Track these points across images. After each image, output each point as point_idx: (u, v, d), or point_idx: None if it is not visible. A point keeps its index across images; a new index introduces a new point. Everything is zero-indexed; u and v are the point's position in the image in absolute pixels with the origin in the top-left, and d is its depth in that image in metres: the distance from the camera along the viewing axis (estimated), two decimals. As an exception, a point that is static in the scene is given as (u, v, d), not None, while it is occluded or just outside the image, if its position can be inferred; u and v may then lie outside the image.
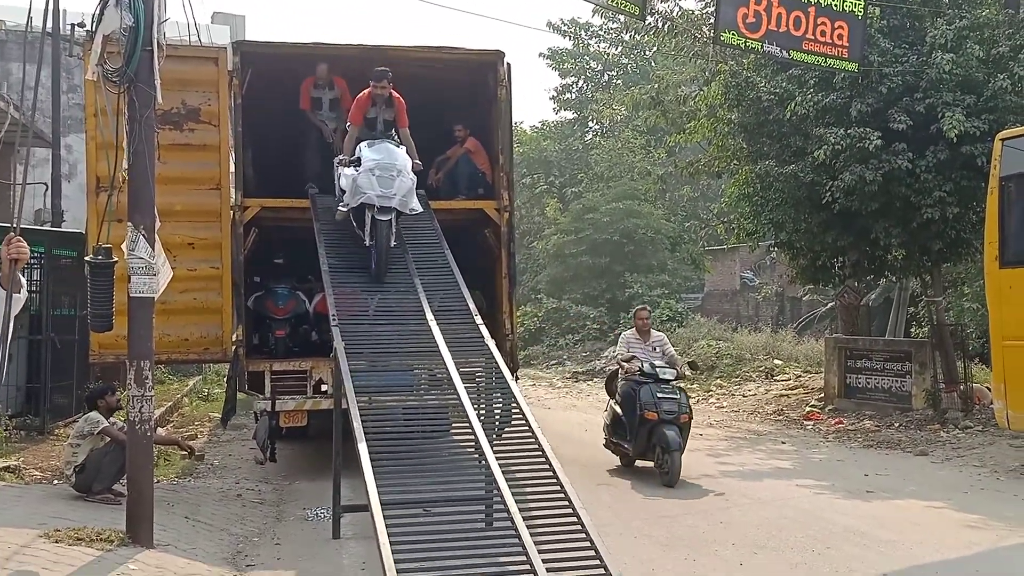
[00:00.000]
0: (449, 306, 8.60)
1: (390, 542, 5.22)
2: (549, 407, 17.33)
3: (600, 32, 36.26)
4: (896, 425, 13.32)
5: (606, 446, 10.79)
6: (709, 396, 18.31)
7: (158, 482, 7.92)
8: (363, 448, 6.17)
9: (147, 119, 6.91)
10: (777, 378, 18.99)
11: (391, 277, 8.99)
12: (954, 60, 12.10)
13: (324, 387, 9.97)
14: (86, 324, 8.48)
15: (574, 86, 38.00)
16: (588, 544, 5.41)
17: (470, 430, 6.62)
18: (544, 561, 5.15)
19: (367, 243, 8.98)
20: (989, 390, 12.32)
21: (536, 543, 5.31)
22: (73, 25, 17.38)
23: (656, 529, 7.82)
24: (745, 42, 11.15)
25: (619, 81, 36.44)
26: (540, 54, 38.79)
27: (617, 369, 10.82)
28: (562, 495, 5.90)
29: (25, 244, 4.86)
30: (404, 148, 9.37)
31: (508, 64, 10.65)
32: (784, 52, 11.40)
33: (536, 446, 6.44)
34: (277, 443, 10.43)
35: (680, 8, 16.95)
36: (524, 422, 6.74)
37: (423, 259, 9.33)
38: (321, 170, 10.77)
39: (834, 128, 12.56)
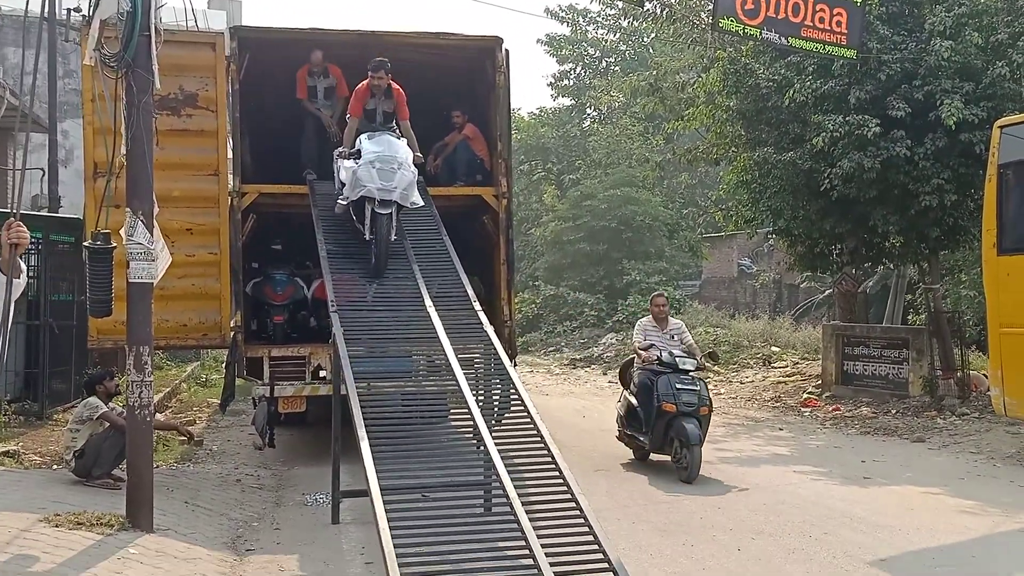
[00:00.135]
0: (448, 292, 8.58)
1: (390, 527, 5.24)
2: (547, 394, 17.37)
3: (598, 18, 36.14)
4: (893, 412, 13.37)
5: (619, 439, 10.31)
6: (707, 382, 18.30)
7: (157, 467, 7.93)
8: (362, 434, 6.18)
9: (145, 104, 6.90)
10: (774, 365, 19.04)
11: (390, 263, 8.96)
12: (953, 47, 12.09)
13: (323, 373, 9.97)
14: (84, 309, 8.49)
15: (572, 73, 37.85)
16: (587, 529, 5.43)
17: (469, 416, 6.63)
18: (543, 546, 5.17)
19: (367, 237, 8.88)
20: (986, 377, 12.36)
21: (535, 528, 5.32)
22: (69, 10, 17.28)
23: (654, 515, 7.85)
24: (744, 29, 11.12)
25: (617, 68, 36.30)
26: (538, 40, 38.83)
27: (632, 358, 10.42)
28: (561, 481, 5.92)
29: (25, 229, 4.85)
30: (405, 140, 9.28)
31: (506, 50, 10.62)
32: (783, 39, 11.37)
33: (535, 432, 6.45)
34: (276, 429, 10.46)
35: (679, -6, 16.89)
36: (523, 408, 6.75)
37: (421, 246, 9.30)
38: (319, 156, 10.76)
39: (832, 115, 12.56)
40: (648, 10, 15.52)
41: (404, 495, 5.83)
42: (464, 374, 7.08)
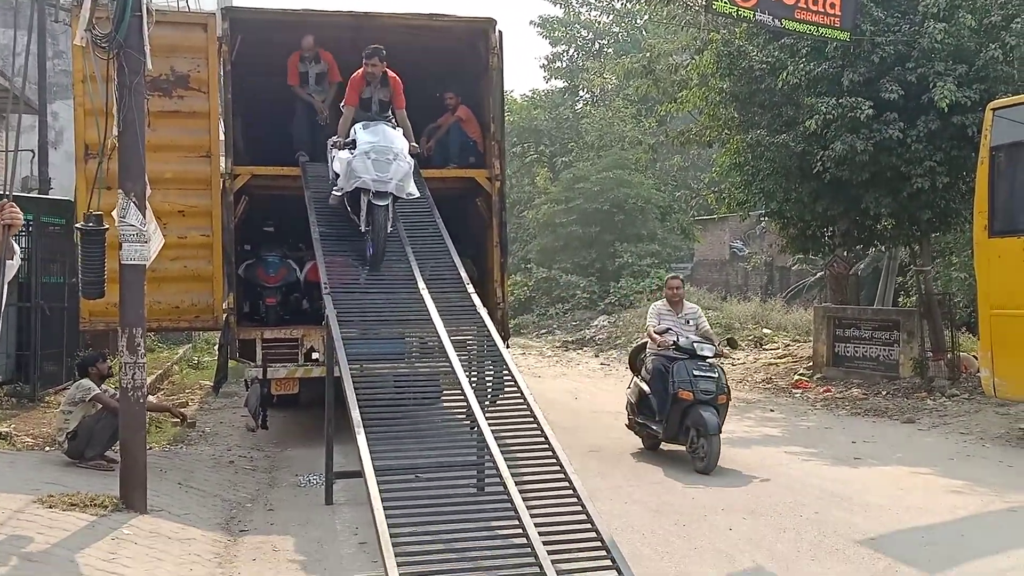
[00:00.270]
0: (440, 274, 8.58)
1: (383, 507, 5.26)
2: (539, 375, 17.41)
3: (591, 0, 36.02)
4: (884, 393, 13.43)
5: (629, 427, 9.89)
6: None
7: (150, 449, 7.95)
8: (356, 415, 6.20)
9: (137, 85, 6.87)
10: (766, 347, 19.08)
11: (383, 245, 8.94)
12: (946, 29, 12.07)
13: (315, 355, 9.98)
14: (75, 291, 8.47)
15: (565, 55, 37.75)
16: (580, 509, 5.46)
17: (462, 397, 6.65)
18: (536, 525, 5.20)
19: (362, 229, 8.74)
20: (976, 359, 12.43)
21: (528, 508, 5.35)
22: (59, -10, 17.14)
23: (647, 495, 7.90)
24: (737, 11, 11.11)
25: (610, 50, 36.21)
26: (531, 22, 38.75)
27: (643, 343, 9.97)
28: (554, 461, 5.95)
29: (19, 210, 4.85)
30: (401, 130, 9.13)
31: (500, 31, 10.58)
32: (776, 21, 11.37)
33: (528, 413, 6.47)
34: (268, 410, 10.47)
35: (672, -24, 16.82)
36: (516, 389, 6.77)
37: (414, 228, 9.27)
38: (311, 139, 10.72)
39: (825, 97, 12.54)
40: (641, -9, 15.48)
41: (397, 475, 5.86)
42: (457, 356, 7.10)
